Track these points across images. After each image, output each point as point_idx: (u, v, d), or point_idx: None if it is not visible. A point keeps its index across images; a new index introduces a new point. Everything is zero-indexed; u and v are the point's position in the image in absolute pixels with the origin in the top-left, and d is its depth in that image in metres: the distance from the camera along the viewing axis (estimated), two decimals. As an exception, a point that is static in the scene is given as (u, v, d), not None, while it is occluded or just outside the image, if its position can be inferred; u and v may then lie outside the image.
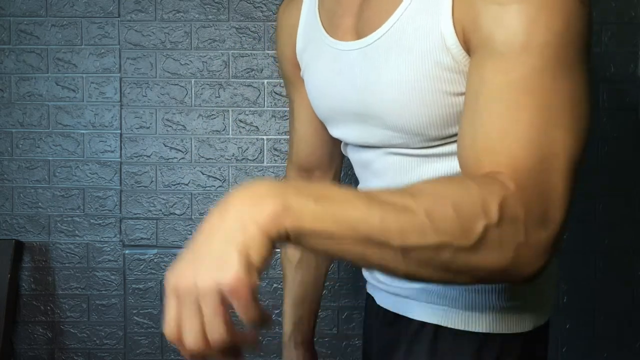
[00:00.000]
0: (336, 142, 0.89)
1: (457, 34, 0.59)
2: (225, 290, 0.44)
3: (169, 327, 0.47)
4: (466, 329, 0.71)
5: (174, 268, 0.48)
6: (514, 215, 0.50)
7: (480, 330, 0.71)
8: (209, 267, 0.44)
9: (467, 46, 0.59)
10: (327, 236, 0.47)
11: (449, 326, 0.72)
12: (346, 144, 0.83)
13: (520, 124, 0.53)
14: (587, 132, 0.56)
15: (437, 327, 0.73)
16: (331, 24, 0.75)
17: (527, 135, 0.52)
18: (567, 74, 0.54)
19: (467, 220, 0.48)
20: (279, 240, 0.46)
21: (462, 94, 0.62)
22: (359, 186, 0.84)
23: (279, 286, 1.80)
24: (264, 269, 0.46)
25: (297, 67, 0.86)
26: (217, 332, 0.45)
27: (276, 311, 1.81)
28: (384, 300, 0.83)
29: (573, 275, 1.77)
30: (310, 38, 0.80)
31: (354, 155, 0.81)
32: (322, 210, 0.47)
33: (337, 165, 0.96)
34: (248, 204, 0.46)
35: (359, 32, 0.70)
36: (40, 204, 1.81)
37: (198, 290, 0.45)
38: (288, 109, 1.80)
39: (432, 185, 0.51)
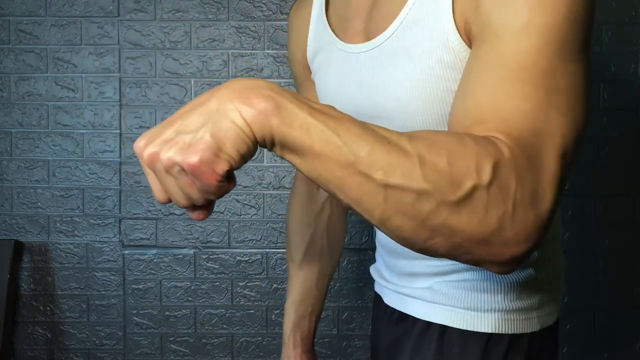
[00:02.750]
0: None
1: (458, 30, 0.59)
2: (187, 170, 0.43)
3: (156, 195, 0.47)
4: (472, 329, 0.71)
5: (145, 133, 0.46)
6: (506, 182, 0.47)
7: (487, 331, 0.71)
8: (176, 145, 0.43)
9: (469, 38, 0.59)
10: (311, 151, 0.45)
11: (455, 326, 0.72)
12: None
13: (514, 98, 0.50)
14: (583, 125, 0.53)
15: (443, 327, 0.73)
16: (341, 28, 0.76)
17: (521, 107, 0.50)
18: (565, 59, 0.52)
19: (458, 175, 0.46)
20: (261, 141, 0.45)
21: None
22: None
23: (279, 286, 1.80)
24: (237, 164, 0.45)
25: (308, 69, 0.86)
26: (195, 196, 0.46)
27: (276, 311, 1.81)
28: (390, 300, 0.83)
29: (573, 275, 1.77)
30: (320, 42, 0.80)
31: None
32: (314, 122, 0.44)
33: None
34: (240, 92, 0.44)
35: (368, 35, 0.70)
36: (39, 204, 1.81)
37: (162, 164, 0.44)
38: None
39: (431, 134, 0.48)
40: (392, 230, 0.48)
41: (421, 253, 0.51)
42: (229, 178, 0.46)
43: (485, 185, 0.46)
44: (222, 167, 0.44)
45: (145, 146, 0.45)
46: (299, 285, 0.98)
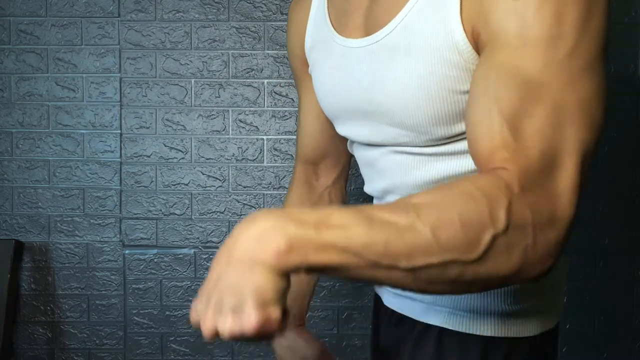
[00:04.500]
0: (343, 140, 0.89)
1: (465, 31, 0.58)
2: (250, 335, 0.46)
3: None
4: (471, 331, 0.71)
5: (196, 308, 0.49)
6: (522, 219, 0.48)
7: (485, 334, 0.70)
8: (228, 317, 0.46)
9: (476, 43, 0.58)
10: (334, 266, 0.47)
11: (454, 329, 0.72)
12: (352, 142, 0.83)
13: (533, 118, 0.51)
14: (602, 129, 0.54)
15: (442, 330, 0.73)
16: (340, 22, 0.76)
17: (541, 128, 0.51)
18: (584, 70, 0.52)
19: (474, 232, 0.47)
20: (291, 272, 0.47)
21: (468, 92, 0.60)
22: (365, 186, 0.84)
23: (279, 286, 1.80)
24: (283, 300, 0.48)
25: (305, 63, 0.86)
26: (265, 337, 0.49)
27: (276, 311, 1.81)
28: (390, 301, 0.83)
29: (573, 275, 1.77)
30: (318, 35, 0.80)
31: (359, 154, 0.81)
32: (324, 241, 0.46)
33: (344, 162, 0.96)
34: (250, 249, 0.46)
35: (368, 30, 0.70)
36: (40, 204, 1.81)
37: (225, 337, 0.47)
38: (288, 109, 1.81)
39: (437, 196, 0.50)
40: (432, 294, 0.54)
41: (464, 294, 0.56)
42: (284, 315, 0.48)
43: (502, 231, 0.48)
44: (275, 315, 0.46)
45: (200, 320, 0.48)
46: None
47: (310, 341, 0.98)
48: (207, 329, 0.47)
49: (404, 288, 0.51)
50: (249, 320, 0.45)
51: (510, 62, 0.52)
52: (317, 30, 0.80)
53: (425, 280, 0.49)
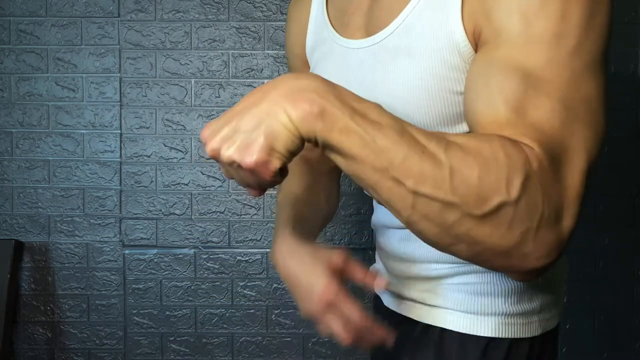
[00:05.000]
0: None
1: (466, 32, 0.58)
2: (245, 168, 0.49)
3: (224, 173, 0.54)
4: (471, 332, 0.71)
5: (209, 124, 0.52)
6: (534, 199, 0.48)
7: (486, 335, 0.70)
8: (235, 144, 0.49)
9: (477, 43, 0.58)
10: (349, 153, 0.48)
11: (454, 329, 0.72)
12: None
13: (540, 110, 0.50)
14: (604, 130, 0.53)
15: (443, 330, 0.73)
16: (341, 23, 0.75)
17: (549, 120, 0.50)
18: (586, 68, 0.51)
19: (487, 190, 0.47)
20: (307, 139, 0.49)
21: None
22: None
23: (279, 286, 1.80)
24: (288, 159, 0.50)
25: (306, 63, 0.85)
26: (251, 184, 0.53)
27: (276, 311, 1.81)
28: (390, 302, 0.83)
29: (573, 275, 1.77)
30: (319, 36, 0.79)
31: None
32: (354, 126, 0.47)
33: None
34: (288, 95, 0.48)
35: (369, 31, 0.70)
36: (40, 204, 1.81)
37: (223, 160, 0.50)
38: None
39: (470, 142, 0.49)
40: (417, 232, 0.51)
41: (445, 252, 0.53)
42: (282, 170, 0.51)
43: (513, 201, 0.47)
44: (275, 165, 0.49)
45: (208, 140, 0.51)
46: (295, 213, 0.82)
47: (330, 248, 0.87)
48: (211, 148, 0.50)
49: (397, 212, 0.50)
50: (250, 155, 0.48)
51: (513, 58, 0.52)
52: (317, 31, 0.80)
53: (421, 212, 0.48)
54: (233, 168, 0.51)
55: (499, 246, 0.49)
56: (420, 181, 0.47)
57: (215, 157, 0.51)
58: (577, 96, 0.51)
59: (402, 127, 0.48)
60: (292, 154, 0.49)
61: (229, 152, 0.49)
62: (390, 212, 0.51)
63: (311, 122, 0.47)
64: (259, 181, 0.51)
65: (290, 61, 0.91)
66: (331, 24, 0.77)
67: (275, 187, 1.08)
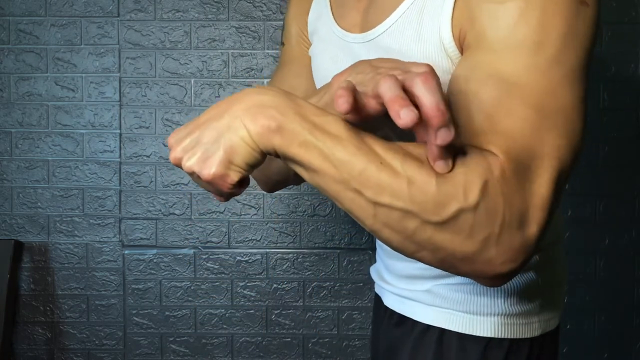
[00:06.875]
0: None
1: (454, 36, 0.59)
2: (203, 180, 0.51)
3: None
4: (471, 332, 0.71)
5: (175, 132, 0.53)
6: (493, 204, 0.48)
7: (486, 335, 0.70)
8: (195, 155, 0.51)
9: (462, 47, 0.58)
10: (309, 166, 0.49)
11: (454, 329, 0.72)
12: None
13: (512, 117, 0.50)
14: (581, 146, 0.53)
15: (442, 330, 0.73)
16: (340, 13, 0.76)
17: (519, 127, 0.50)
18: (565, 79, 0.52)
19: (444, 197, 0.47)
20: (267, 153, 0.50)
21: None
22: None
23: (279, 286, 1.80)
24: (248, 172, 0.51)
25: (305, 38, 0.86)
26: (213, 192, 0.54)
27: (276, 311, 1.81)
28: (390, 301, 0.83)
29: (573, 275, 1.77)
30: (320, 21, 0.80)
31: None
32: (313, 141, 0.48)
33: None
34: (249, 110, 0.49)
35: (364, 26, 0.70)
36: (39, 204, 1.81)
37: (185, 169, 0.52)
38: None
39: (426, 152, 0.49)
40: (382, 240, 0.52)
41: (412, 259, 0.53)
42: (240, 182, 0.52)
43: (471, 207, 0.47)
44: (232, 179, 0.50)
45: (172, 148, 0.53)
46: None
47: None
48: (174, 157, 0.52)
49: (360, 221, 0.51)
50: (208, 168, 0.50)
51: (491, 64, 0.53)
52: (319, 15, 0.81)
53: (383, 221, 0.49)
54: (194, 177, 0.53)
55: (462, 252, 0.49)
56: (379, 191, 0.48)
57: (178, 165, 0.53)
58: (554, 105, 0.51)
59: (360, 140, 0.49)
60: (251, 167, 0.51)
61: (189, 163, 0.51)
62: (357, 221, 0.52)
63: (269, 137, 0.48)
64: (218, 192, 0.53)
65: (286, 39, 0.91)
66: (332, 12, 0.77)
67: (276, 188, 1.08)
